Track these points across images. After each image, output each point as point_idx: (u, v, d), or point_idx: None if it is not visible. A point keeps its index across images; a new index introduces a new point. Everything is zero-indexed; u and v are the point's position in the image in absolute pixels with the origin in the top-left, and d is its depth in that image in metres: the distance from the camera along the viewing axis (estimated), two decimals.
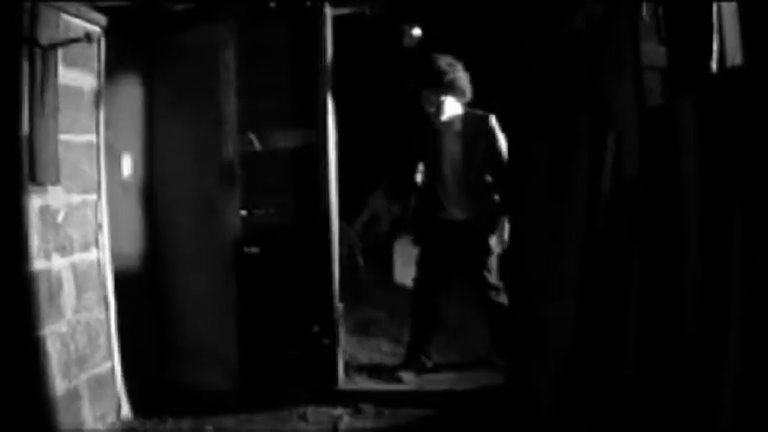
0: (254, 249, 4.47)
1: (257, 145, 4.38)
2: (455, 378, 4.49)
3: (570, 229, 3.45)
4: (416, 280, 4.80)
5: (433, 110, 4.56)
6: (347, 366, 4.58)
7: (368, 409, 4.12)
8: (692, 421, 2.67)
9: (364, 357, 5.00)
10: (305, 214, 4.44)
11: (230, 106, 4.37)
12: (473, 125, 4.58)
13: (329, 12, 4.32)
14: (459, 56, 4.53)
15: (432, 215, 4.67)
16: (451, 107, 4.59)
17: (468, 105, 4.65)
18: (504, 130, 4.39)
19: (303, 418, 4.05)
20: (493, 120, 4.54)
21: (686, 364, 2.71)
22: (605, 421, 3.14)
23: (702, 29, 2.76)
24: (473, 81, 4.61)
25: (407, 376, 4.51)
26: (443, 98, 4.55)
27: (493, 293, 4.60)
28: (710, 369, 2.58)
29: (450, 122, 4.60)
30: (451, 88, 4.54)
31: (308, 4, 4.30)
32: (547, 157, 3.64)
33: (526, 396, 3.82)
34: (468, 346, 4.85)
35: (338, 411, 4.09)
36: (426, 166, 4.70)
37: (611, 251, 3.23)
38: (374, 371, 4.72)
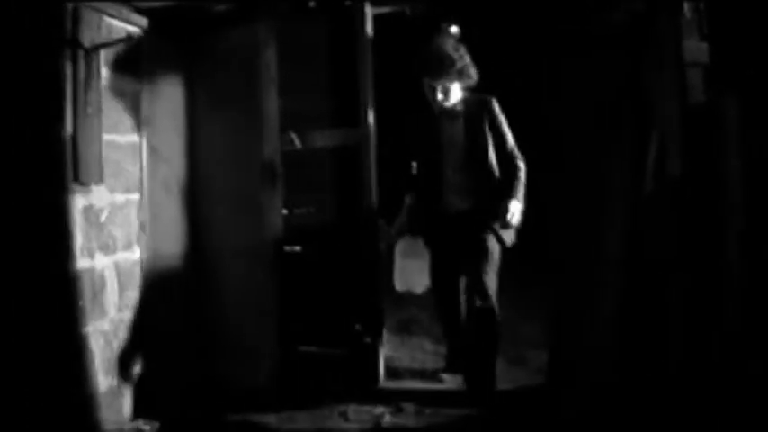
0: (295, 248, 4.49)
1: (298, 144, 4.38)
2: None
3: (610, 229, 3.40)
4: (431, 285, 4.47)
5: (441, 97, 4.21)
6: (389, 365, 4.58)
7: (409, 407, 4.10)
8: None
9: (406, 356, 4.98)
10: (346, 213, 4.44)
11: (271, 105, 4.38)
12: (475, 108, 4.29)
13: (369, 11, 4.32)
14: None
15: (429, 208, 4.37)
16: (456, 93, 4.26)
17: (468, 89, 4.33)
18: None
19: (344, 416, 4.04)
20: (495, 102, 4.29)
21: (729, 366, 2.67)
22: (643, 422, 3.10)
23: (745, 25, 2.71)
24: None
25: (448, 377, 4.48)
26: (451, 85, 4.20)
27: (482, 299, 4.13)
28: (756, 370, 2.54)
29: (451, 107, 4.28)
30: (462, 75, 4.22)
31: (348, 3, 4.30)
32: (584, 156, 3.59)
33: (565, 396, 3.78)
34: (509, 346, 4.80)
35: (379, 410, 4.07)
36: (423, 155, 4.39)
37: (654, 250, 3.18)
38: (416, 370, 4.70)
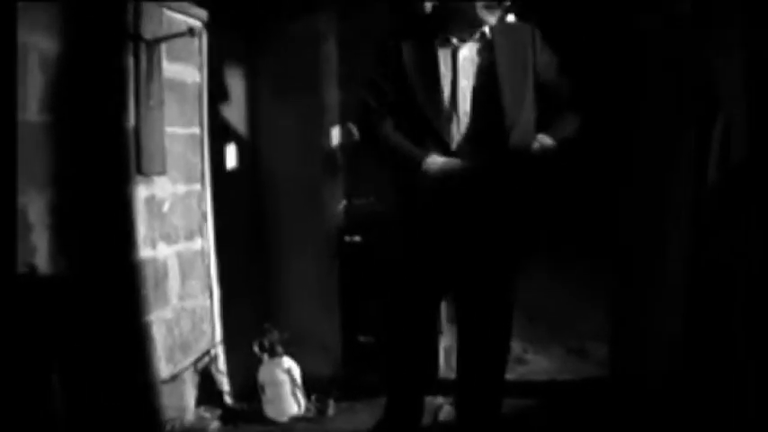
0: (356, 238, 4.50)
1: (356, 134, 4.39)
2: (556, 368, 4.40)
3: (674, 219, 3.33)
4: (394, 293, 3.44)
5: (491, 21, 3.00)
6: (447, 356, 4.55)
7: None
8: None
9: None
10: None
11: (332, 96, 4.42)
12: (514, 36, 3.08)
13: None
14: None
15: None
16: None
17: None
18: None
19: None
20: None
21: None
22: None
23: None
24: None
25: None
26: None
27: (504, 318, 3.24)
28: None
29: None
30: None
31: None
32: (647, 143, 3.52)
33: (630, 387, 3.72)
34: (569, 333, 4.72)
35: (439, 401, 4.06)
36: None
37: (722, 241, 3.09)
38: None
